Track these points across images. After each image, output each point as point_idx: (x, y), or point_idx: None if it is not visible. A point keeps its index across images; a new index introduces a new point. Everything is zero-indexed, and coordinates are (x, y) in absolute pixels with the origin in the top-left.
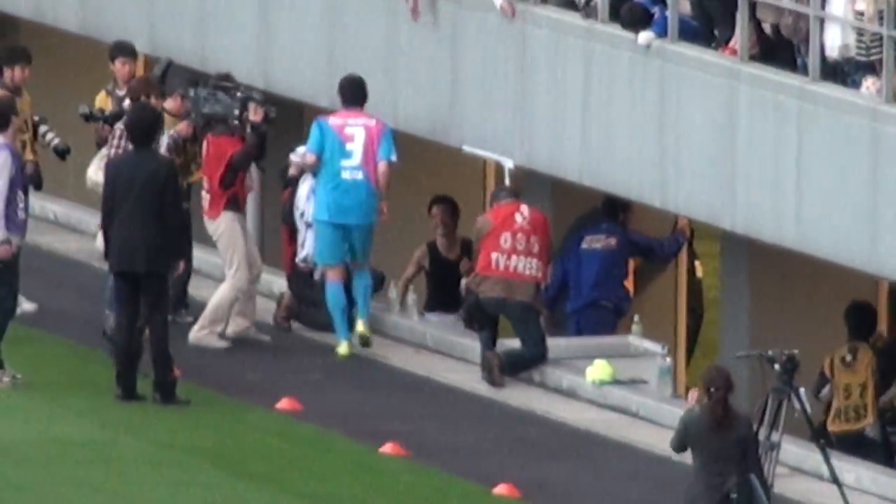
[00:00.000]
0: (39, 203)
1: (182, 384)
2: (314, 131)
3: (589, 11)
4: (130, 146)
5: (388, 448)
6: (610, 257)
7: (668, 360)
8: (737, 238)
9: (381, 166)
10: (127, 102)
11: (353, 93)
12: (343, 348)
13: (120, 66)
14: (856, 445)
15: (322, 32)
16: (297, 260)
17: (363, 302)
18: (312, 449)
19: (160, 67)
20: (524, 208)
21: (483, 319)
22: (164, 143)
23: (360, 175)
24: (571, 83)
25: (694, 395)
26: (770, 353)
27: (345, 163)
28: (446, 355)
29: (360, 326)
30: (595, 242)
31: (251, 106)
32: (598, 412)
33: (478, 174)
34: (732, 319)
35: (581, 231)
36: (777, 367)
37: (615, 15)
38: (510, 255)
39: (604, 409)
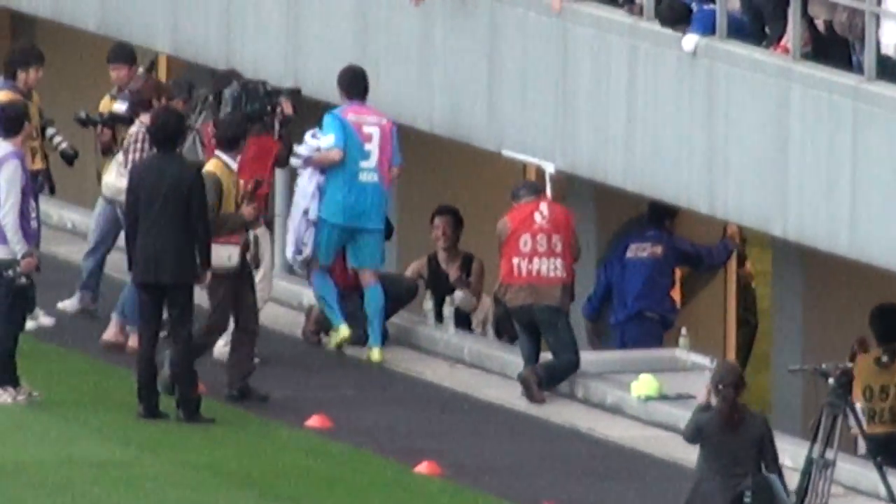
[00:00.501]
0: (56, 211)
1: (207, 401)
2: (335, 126)
3: (633, 8)
4: (153, 150)
5: (423, 467)
6: (656, 266)
7: None
8: (789, 246)
9: (395, 171)
10: (120, 105)
11: (359, 85)
12: (344, 330)
13: (114, 72)
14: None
15: (354, 31)
16: (290, 257)
17: (377, 323)
18: (344, 468)
19: (143, 66)
20: (543, 206)
21: (512, 330)
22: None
23: (375, 177)
24: (615, 83)
25: (705, 391)
26: (824, 366)
27: (363, 164)
28: (484, 370)
29: (376, 354)
30: (641, 251)
31: (282, 100)
32: (644, 429)
33: (517, 180)
34: (784, 331)
35: (626, 239)
36: (831, 381)
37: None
38: (531, 258)
39: (650, 426)
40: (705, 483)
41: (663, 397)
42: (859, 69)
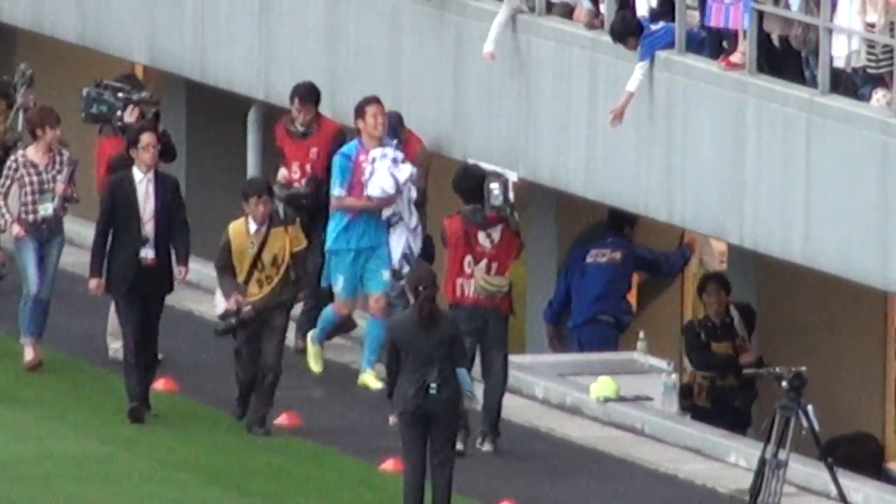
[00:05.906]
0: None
1: (181, 401)
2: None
3: (594, 22)
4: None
5: (388, 465)
6: (613, 271)
7: (674, 376)
8: (744, 252)
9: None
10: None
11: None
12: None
13: None
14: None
15: (323, 43)
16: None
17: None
18: (312, 465)
19: (22, 78)
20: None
21: None
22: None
23: None
24: (576, 95)
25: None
26: (777, 369)
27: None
28: None
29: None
30: (600, 256)
31: (128, 107)
32: (603, 429)
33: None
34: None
35: (586, 245)
36: (784, 384)
37: None
38: None
39: (608, 427)
40: (403, 385)
41: (621, 398)
42: (812, 82)
